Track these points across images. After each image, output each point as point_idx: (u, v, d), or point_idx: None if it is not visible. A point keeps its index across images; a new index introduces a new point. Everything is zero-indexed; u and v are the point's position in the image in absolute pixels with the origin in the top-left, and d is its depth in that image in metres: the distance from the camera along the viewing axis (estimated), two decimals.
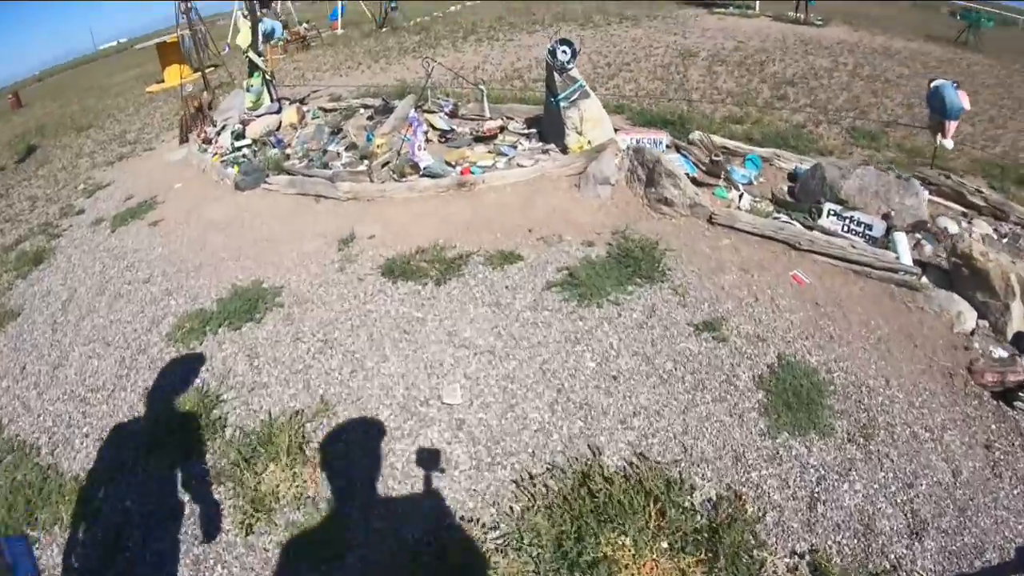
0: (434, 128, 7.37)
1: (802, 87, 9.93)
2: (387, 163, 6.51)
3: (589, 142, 5.94)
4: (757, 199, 5.18)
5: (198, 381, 4.13)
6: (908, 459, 3.13)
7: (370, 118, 8.23)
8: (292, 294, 4.85)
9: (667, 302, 4.28)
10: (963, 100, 5.13)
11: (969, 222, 5.27)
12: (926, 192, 5.13)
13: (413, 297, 4.58)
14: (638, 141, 6.21)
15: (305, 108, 9.04)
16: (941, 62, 12.90)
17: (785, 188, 5.52)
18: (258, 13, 8.88)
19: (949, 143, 5.44)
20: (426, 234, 5.26)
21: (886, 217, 4.77)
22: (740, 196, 5.17)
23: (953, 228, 5.05)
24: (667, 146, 6.18)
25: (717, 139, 6.20)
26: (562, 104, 5.94)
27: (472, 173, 5.93)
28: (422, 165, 6.17)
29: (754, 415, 3.41)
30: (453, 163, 6.22)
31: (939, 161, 6.11)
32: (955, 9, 17.73)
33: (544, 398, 3.63)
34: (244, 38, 8.86)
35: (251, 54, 8.76)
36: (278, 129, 8.49)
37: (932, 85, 5.33)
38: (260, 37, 8.90)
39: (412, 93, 8.44)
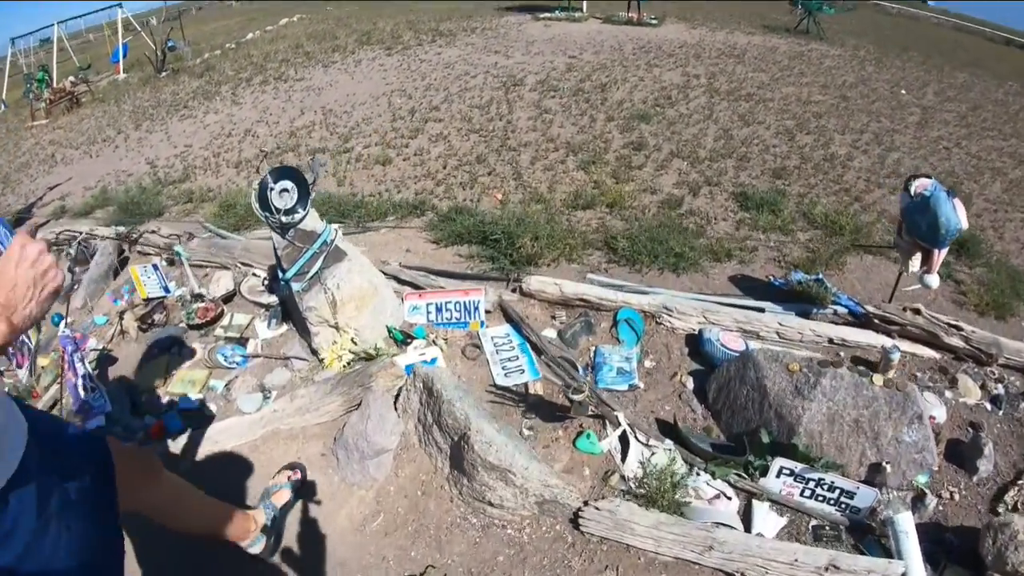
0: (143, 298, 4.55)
1: (659, 122, 7.85)
2: (53, 406, 3.69)
3: (354, 339, 3.39)
4: (652, 444, 2.81)
5: None
6: None
7: (71, 269, 5.29)
8: None
9: None
10: (960, 214, 3.01)
11: (952, 382, 3.24)
12: (934, 404, 3.03)
13: None
14: (439, 311, 3.73)
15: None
16: (791, 59, 11.45)
17: (690, 385, 3.22)
18: None
19: (934, 280, 3.32)
20: None
21: (876, 472, 2.58)
22: (623, 439, 2.80)
23: (939, 413, 2.97)
24: (487, 311, 3.75)
25: (567, 286, 3.81)
26: (295, 288, 3.35)
27: (166, 429, 3.22)
28: (90, 423, 3.38)
29: None
30: (159, 393, 3.48)
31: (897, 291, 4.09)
32: None
33: None
34: None
35: None
36: None
37: (915, 191, 3.14)
38: None
39: (118, 227, 5.57)
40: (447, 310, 3.72)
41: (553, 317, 3.74)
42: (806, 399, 2.65)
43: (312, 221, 3.39)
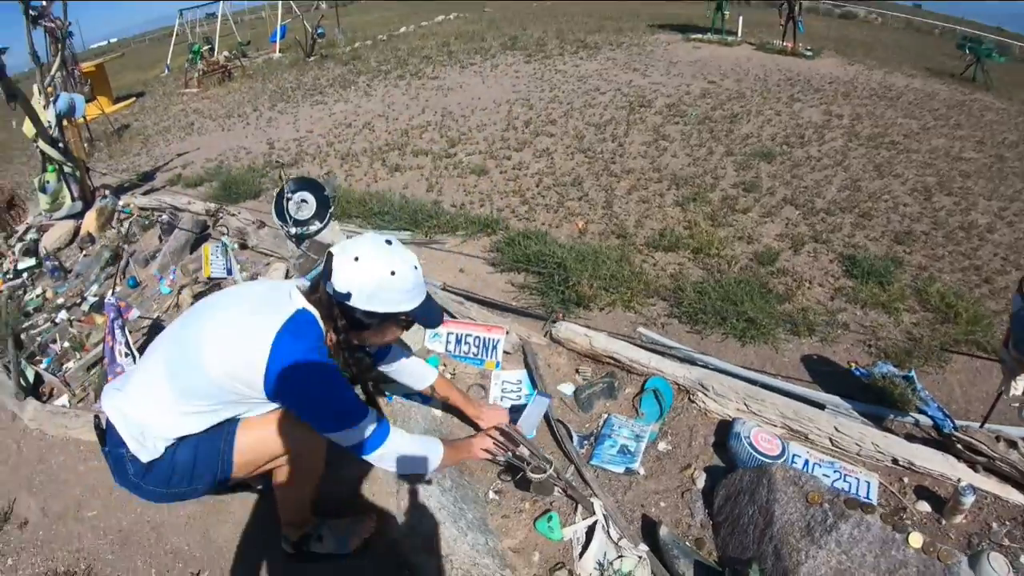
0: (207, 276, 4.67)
1: (782, 163, 7.18)
2: (95, 364, 3.92)
3: None
4: (623, 545, 2.38)
5: None
6: None
7: (161, 237, 5.60)
8: None
9: None
10: None
11: None
12: (999, 571, 2.37)
13: None
14: (458, 342, 3.47)
15: (120, 205, 6.35)
16: (950, 107, 10.20)
17: (700, 483, 2.76)
18: (43, 92, 6.27)
19: None
20: None
21: None
22: (591, 531, 2.42)
23: None
24: (507, 352, 3.44)
25: (598, 340, 3.43)
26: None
27: None
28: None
29: None
30: None
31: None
32: (962, 41, 15.08)
33: None
34: (28, 126, 6.21)
35: (41, 144, 6.13)
36: (72, 241, 6.01)
37: None
38: (52, 121, 6.25)
39: (209, 204, 5.78)
40: (466, 343, 3.48)
41: (577, 371, 3.39)
42: (815, 543, 2.15)
43: (331, 234, 3.27)
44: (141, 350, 3.76)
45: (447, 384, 2.72)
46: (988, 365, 3.85)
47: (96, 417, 1.93)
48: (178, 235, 5.28)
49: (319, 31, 17.15)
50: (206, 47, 16.83)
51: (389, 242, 1.89)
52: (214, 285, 4.51)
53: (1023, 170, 7.28)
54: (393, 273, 1.81)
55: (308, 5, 21.01)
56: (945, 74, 13.29)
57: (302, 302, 1.87)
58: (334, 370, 1.84)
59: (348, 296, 1.80)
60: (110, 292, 4.53)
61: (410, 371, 2.59)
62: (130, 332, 3.74)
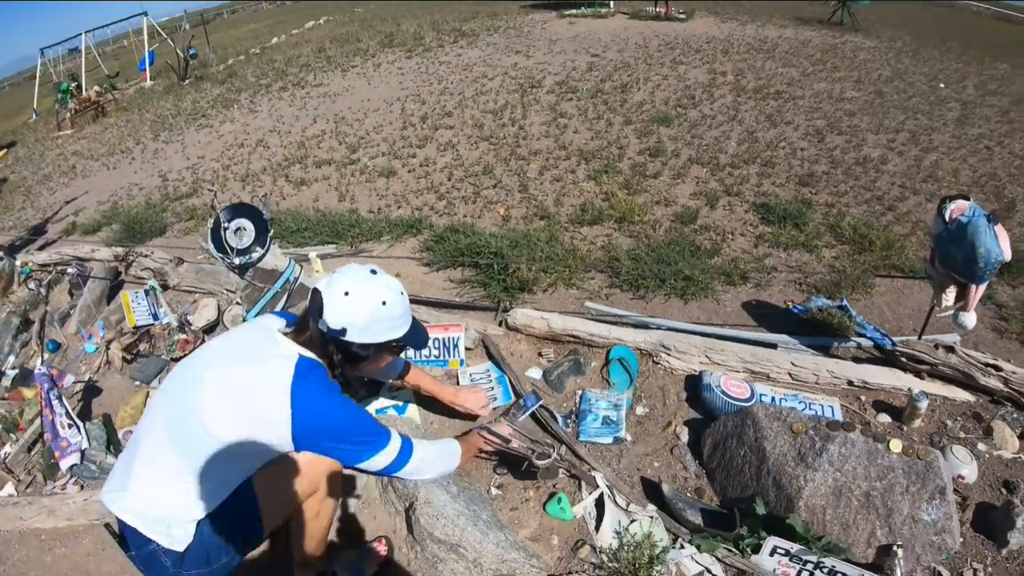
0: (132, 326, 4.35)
1: (680, 125, 7.43)
2: (36, 442, 3.54)
3: None
4: (633, 509, 2.45)
5: None
6: None
7: (71, 292, 5.19)
8: None
9: None
10: (1003, 244, 2.58)
11: (986, 431, 2.78)
12: (963, 460, 2.58)
13: None
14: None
15: (18, 264, 5.76)
16: (824, 52, 10.89)
17: (684, 437, 2.86)
18: None
19: (971, 320, 2.89)
20: None
21: (885, 555, 2.17)
22: (599, 504, 2.47)
23: (969, 471, 2.52)
24: (468, 348, 3.44)
25: (555, 320, 3.47)
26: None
27: None
28: (64, 461, 3.19)
29: None
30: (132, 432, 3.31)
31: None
32: None
33: None
34: None
35: None
36: None
37: (951, 216, 2.70)
38: None
39: (116, 249, 5.41)
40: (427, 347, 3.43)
41: (540, 354, 3.41)
42: (810, 468, 2.27)
43: (273, 259, 3.14)
44: (81, 417, 3.48)
45: (419, 371, 2.74)
46: (909, 284, 4.15)
47: (107, 526, 1.85)
48: (91, 286, 4.89)
49: (191, 52, 16.31)
50: (74, 84, 15.71)
51: (374, 271, 1.90)
52: (143, 334, 4.25)
53: (902, 103, 7.85)
54: (384, 303, 1.84)
55: (173, 27, 19.98)
56: (814, 21, 14.12)
57: (297, 348, 1.84)
58: (354, 404, 1.89)
59: (343, 331, 1.81)
60: (39, 361, 4.18)
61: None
62: (67, 400, 3.47)
